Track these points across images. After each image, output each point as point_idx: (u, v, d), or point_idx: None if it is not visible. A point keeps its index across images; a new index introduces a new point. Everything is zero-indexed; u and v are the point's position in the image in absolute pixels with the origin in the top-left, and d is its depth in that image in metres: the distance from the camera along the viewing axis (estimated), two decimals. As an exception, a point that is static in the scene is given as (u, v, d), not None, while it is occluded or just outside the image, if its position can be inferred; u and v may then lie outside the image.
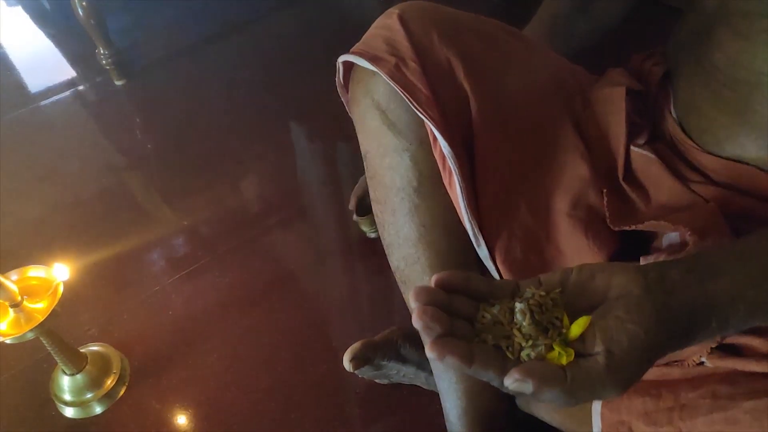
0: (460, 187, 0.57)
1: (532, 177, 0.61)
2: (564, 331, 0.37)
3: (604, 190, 0.59)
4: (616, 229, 0.57)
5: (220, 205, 1.13)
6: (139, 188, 1.21)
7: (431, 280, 0.38)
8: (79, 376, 0.82)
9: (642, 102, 0.66)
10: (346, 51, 0.61)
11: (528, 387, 0.34)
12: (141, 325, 0.93)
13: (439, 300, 0.37)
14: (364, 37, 0.62)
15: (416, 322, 0.35)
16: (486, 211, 0.59)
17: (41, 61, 1.54)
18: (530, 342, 0.36)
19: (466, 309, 0.39)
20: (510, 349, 0.37)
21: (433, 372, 0.66)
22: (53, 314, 0.70)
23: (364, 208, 0.95)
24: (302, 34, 1.57)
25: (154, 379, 0.86)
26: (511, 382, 0.34)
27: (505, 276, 0.59)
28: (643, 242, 0.60)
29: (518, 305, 0.38)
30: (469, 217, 0.58)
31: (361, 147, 0.65)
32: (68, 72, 1.49)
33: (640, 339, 0.36)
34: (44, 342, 0.75)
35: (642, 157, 0.62)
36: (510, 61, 0.63)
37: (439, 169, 0.58)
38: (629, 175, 0.62)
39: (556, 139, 0.63)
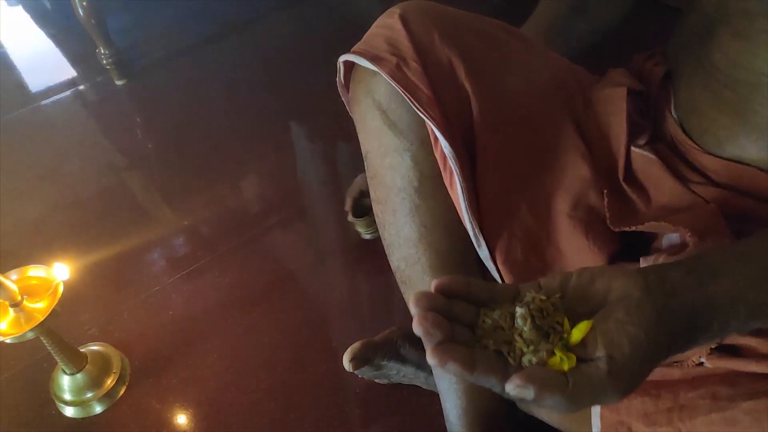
0: (461, 188, 0.57)
1: (532, 177, 0.61)
2: (565, 336, 0.37)
3: (605, 191, 0.59)
4: (617, 229, 0.57)
5: (220, 205, 1.13)
6: (140, 188, 1.21)
7: (431, 286, 0.38)
8: (79, 376, 0.82)
9: (643, 102, 0.66)
10: (347, 51, 0.61)
11: (529, 393, 0.34)
12: (141, 324, 0.93)
13: (439, 306, 0.37)
14: (364, 36, 0.62)
15: (417, 329, 0.35)
16: (487, 212, 0.59)
17: (42, 61, 1.54)
18: (532, 347, 0.36)
19: (466, 314, 0.38)
20: (511, 354, 0.37)
21: (433, 372, 0.66)
22: (53, 314, 0.70)
23: (360, 209, 0.95)
24: (302, 34, 1.57)
25: (154, 378, 0.86)
26: (513, 388, 0.34)
27: (506, 276, 0.59)
28: (644, 243, 0.60)
29: (519, 310, 0.37)
30: (469, 218, 0.58)
31: (361, 147, 0.65)
32: (69, 72, 1.49)
33: (641, 341, 0.35)
34: (44, 342, 0.75)
35: (642, 157, 0.62)
36: (511, 61, 0.63)
37: (439, 170, 0.58)
38: (630, 175, 0.62)
39: (556, 139, 0.63)
